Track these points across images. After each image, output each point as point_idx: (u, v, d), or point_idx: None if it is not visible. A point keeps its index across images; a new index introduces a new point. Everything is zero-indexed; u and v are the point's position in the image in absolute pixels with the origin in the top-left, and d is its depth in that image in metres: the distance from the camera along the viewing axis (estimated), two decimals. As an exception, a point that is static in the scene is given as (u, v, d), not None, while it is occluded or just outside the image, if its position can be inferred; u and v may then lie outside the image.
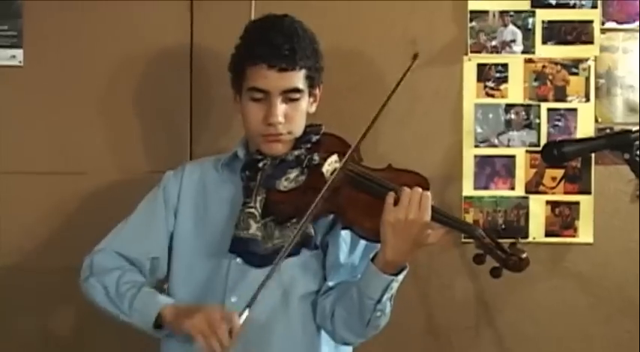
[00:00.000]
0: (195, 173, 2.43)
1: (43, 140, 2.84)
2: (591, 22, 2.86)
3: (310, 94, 2.34)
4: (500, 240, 2.15)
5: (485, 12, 2.86)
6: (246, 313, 2.09)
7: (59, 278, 2.80)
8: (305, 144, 2.32)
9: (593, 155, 2.85)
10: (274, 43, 2.24)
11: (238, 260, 2.27)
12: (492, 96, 2.87)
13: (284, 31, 2.27)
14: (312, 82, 2.32)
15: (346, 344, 2.32)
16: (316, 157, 2.27)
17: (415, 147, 2.77)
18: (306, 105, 2.33)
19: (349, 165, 2.20)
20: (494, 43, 2.86)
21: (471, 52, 2.86)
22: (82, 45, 2.83)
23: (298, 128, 2.32)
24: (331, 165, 2.25)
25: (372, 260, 2.15)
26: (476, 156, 2.87)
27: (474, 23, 2.86)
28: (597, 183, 2.87)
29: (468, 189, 2.86)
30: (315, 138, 2.34)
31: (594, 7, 2.86)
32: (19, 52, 2.81)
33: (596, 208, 2.87)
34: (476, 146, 2.87)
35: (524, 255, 2.11)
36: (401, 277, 2.15)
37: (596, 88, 2.87)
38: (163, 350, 2.38)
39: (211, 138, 2.85)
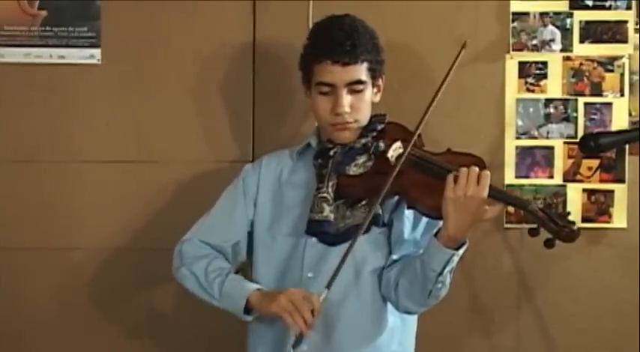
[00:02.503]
0: (272, 164, 2.55)
1: (118, 132, 2.94)
2: (626, 22, 2.91)
3: (374, 85, 2.44)
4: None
5: (527, 13, 2.92)
6: (325, 293, 2.22)
7: (134, 258, 2.94)
8: (371, 133, 2.43)
9: (627, 146, 2.89)
10: (336, 40, 2.36)
11: (313, 239, 2.39)
12: (533, 91, 2.92)
13: (345, 29, 2.38)
14: (374, 73, 2.42)
15: (408, 312, 2.41)
16: (381, 144, 2.38)
17: (461, 138, 2.79)
18: (370, 95, 2.43)
19: (413, 149, 2.30)
20: (534, 42, 2.92)
21: (513, 50, 2.92)
22: (154, 44, 2.94)
23: (364, 117, 2.43)
24: (395, 150, 2.35)
25: (436, 235, 2.25)
26: (517, 147, 2.93)
27: (515, 23, 2.92)
28: (631, 172, 2.91)
29: (509, 177, 2.91)
30: (380, 126, 2.45)
31: (629, 8, 2.91)
32: (97, 52, 2.91)
33: (629, 196, 2.91)
34: (517, 138, 2.93)
35: (575, 227, 2.18)
36: (461, 251, 2.24)
37: (630, 84, 2.91)
38: (250, 331, 2.51)
39: (273, 131, 2.94)
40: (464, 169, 2.20)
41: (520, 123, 2.95)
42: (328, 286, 2.22)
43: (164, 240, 2.89)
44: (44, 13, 2.92)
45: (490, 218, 2.24)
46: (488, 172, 2.20)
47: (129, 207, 2.96)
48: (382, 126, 2.46)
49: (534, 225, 2.23)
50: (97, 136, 2.96)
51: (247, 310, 2.37)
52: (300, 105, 2.89)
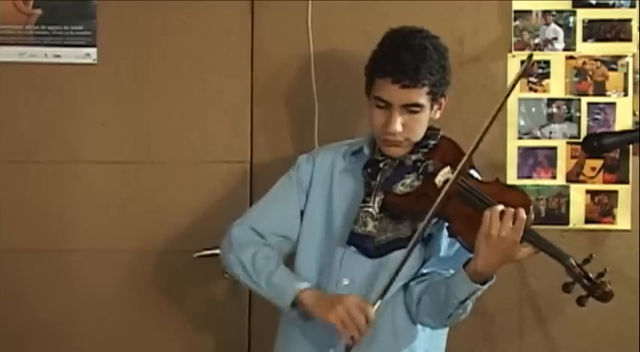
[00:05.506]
0: (327, 159, 2.55)
1: (114, 132, 2.94)
2: (630, 20, 2.90)
3: (433, 105, 2.41)
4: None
5: (529, 11, 2.91)
6: (378, 303, 2.26)
7: (130, 259, 2.95)
8: (423, 149, 2.42)
9: (630, 146, 2.87)
10: (401, 60, 2.32)
11: (353, 248, 2.40)
12: (535, 91, 2.92)
13: (413, 49, 2.34)
14: (434, 95, 2.39)
15: (424, 325, 2.42)
16: (431, 166, 2.37)
17: (463, 138, 2.64)
18: (426, 116, 2.40)
19: (459, 178, 2.28)
20: (537, 40, 2.91)
21: (515, 49, 2.91)
22: (151, 44, 2.93)
23: (416, 135, 2.41)
24: (443, 176, 2.33)
25: (465, 266, 2.24)
26: (519, 148, 2.93)
27: (517, 22, 2.91)
28: (635, 172, 2.90)
29: (511, 178, 2.91)
30: (432, 143, 2.43)
31: (633, 6, 2.90)
32: (93, 51, 2.91)
33: (633, 196, 2.90)
34: (519, 138, 2.92)
35: (608, 288, 2.16)
36: (486, 286, 2.24)
37: (634, 83, 2.89)
38: (283, 320, 2.52)
39: (271, 131, 2.93)
40: (499, 208, 2.18)
41: (522, 123, 2.94)
42: (382, 297, 2.26)
43: (161, 241, 2.92)
44: (39, 11, 2.91)
45: (522, 258, 2.23)
46: (524, 216, 2.17)
47: (126, 207, 2.96)
48: (434, 142, 2.45)
49: (569, 280, 2.20)
50: (94, 136, 2.96)
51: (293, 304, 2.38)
52: (299, 105, 2.90)
